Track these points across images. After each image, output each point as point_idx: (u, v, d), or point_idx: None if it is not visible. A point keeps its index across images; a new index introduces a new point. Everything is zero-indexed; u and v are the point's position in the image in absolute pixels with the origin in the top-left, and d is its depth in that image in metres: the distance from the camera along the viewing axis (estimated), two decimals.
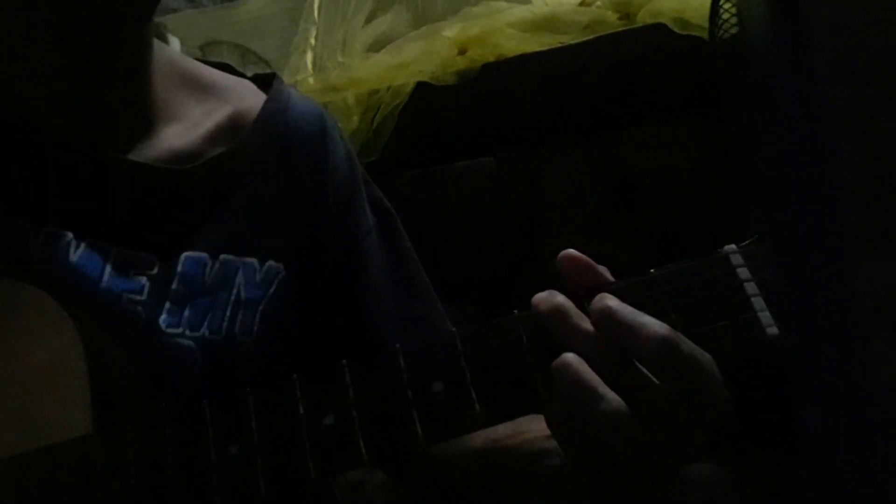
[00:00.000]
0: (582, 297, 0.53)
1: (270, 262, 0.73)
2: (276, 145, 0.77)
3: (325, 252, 0.76)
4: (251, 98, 0.79)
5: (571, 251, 0.56)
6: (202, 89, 0.78)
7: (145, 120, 0.73)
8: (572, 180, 1.51)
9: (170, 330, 0.67)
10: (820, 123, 0.23)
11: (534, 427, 0.63)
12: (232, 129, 0.76)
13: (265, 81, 0.81)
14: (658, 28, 1.43)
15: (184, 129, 0.74)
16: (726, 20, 1.27)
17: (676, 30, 1.41)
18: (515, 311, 0.54)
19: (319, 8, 1.69)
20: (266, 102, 0.78)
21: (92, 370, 0.58)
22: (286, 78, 1.63)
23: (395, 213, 0.82)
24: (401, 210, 0.83)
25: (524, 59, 1.50)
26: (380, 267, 0.78)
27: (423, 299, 0.80)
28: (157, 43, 0.74)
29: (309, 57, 1.65)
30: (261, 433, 0.53)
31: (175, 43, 1.69)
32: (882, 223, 0.22)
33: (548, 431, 0.60)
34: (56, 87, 0.69)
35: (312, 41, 1.67)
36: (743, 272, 0.53)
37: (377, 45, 1.64)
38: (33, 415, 0.58)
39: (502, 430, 0.66)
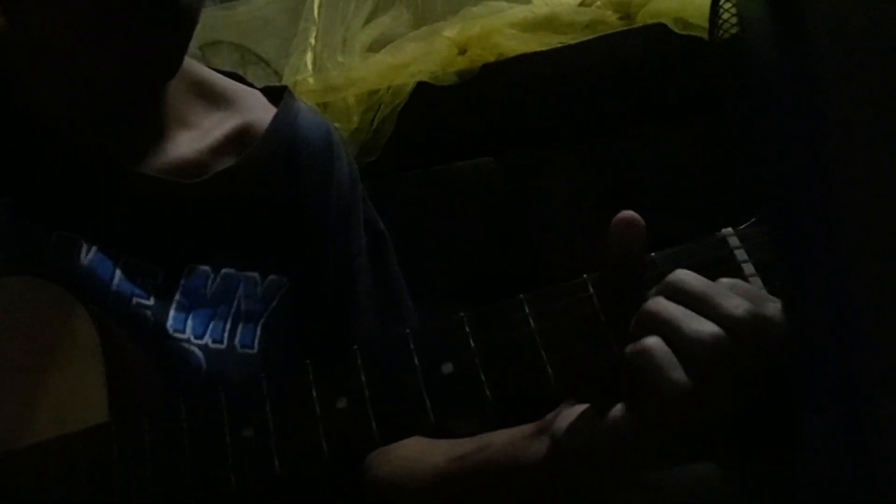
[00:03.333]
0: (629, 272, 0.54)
1: (273, 277, 0.73)
2: (283, 159, 0.78)
3: (324, 266, 0.77)
4: (261, 110, 0.79)
5: (631, 213, 0.55)
6: (213, 98, 0.78)
7: (158, 126, 0.73)
8: (572, 180, 1.51)
9: (177, 334, 0.67)
10: (819, 123, 0.23)
11: (498, 440, 0.63)
12: (240, 140, 0.76)
13: (275, 94, 0.81)
14: (658, 28, 1.43)
15: (193, 138, 0.74)
16: (726, 20, 1.27)
17: (676, 30, 1.41)
18: (521, 295, 0.54)
19: (319, 8, 1.69)
20: (275, 116, 0.79)
21: (108, 362, 0.59)
22: (286, 78, 1.63)
23: (388, 236, 0.83)
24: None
25: (524, 59, 1.49)
26: (366, 287, 0.79)
27: (405, 323, 0.80)
28: None
29: (309, 57, 1.65)
30: (275, 416, 0.54)
31: None
32: (882, 221, 0.22)
33: (513, 444, 0.60)
34: (83, 97, 0.70)
35: (312, 41, 1.66)
36: (741, 254, 0.54)
37: (377, 45, 1.64)
38: (52, 404, 0.59)
39: (466, 446, 0.66)
